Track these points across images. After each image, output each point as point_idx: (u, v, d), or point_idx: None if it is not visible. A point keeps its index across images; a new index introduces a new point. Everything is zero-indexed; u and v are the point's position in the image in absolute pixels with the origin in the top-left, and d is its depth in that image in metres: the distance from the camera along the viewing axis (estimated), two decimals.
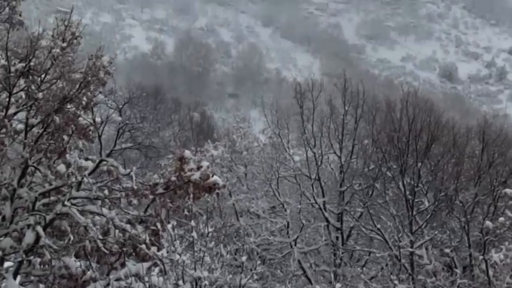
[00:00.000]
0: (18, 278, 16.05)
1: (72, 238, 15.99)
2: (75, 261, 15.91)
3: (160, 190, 16.61)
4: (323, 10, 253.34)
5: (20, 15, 16.61)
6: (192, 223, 14.17)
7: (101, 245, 15.73)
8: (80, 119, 16.64)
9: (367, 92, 36.97)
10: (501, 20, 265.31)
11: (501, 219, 27.01)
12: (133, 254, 16.17)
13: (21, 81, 16.03)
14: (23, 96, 16.10)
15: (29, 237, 15.74)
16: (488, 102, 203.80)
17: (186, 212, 16.31)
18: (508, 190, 27.01)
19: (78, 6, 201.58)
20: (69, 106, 16.32)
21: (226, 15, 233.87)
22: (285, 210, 34.16)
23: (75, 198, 16.39)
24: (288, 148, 35.90)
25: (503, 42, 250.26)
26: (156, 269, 14.30)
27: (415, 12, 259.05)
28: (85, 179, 16.30)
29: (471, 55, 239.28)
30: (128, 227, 16.25)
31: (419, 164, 32.79)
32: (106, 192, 16.49)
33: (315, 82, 36.72)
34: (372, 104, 36.99)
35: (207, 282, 13.88)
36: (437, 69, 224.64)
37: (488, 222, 28.02)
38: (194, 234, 14.06)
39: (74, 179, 16.27)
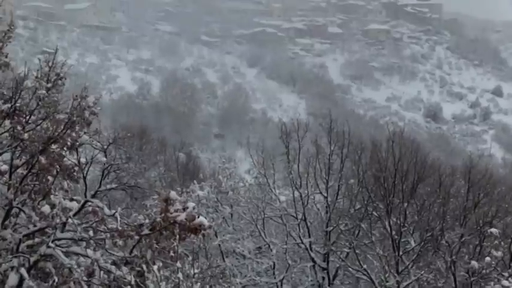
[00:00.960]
0: None
1: (56, 280, 15.81)
2: None
3: (145, 231, 16.48)
4: (308, 51, 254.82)
5: (6, 56, 16.57)
6: (178, 264, 14.05)
7: (85, 287, 15.56)
8: (65, 159, 16.55)
9: (352, 132, 37.10)
10: (484, 60, 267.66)
11: (487, 259, 26.98)
12: None
13: (7, 122, 15.98)
14: (8, 137, 16.03)
15: (12, 280, 15.56)
16: (473, 142, 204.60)
17: (171, 253, 16.18)
18: (493, 230, 27.03)
19: (64, 47, 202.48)
20: (54, 147, 16.24)
21: (211, 56, 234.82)
22: (271, 251, 34.04)
23: (59, 239, 16.24)
24: (274, 188, 35.87)
25: (487, 82, 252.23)
26: None
27: (399, 53, 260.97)
28: (70, 220, 16.17)
29: (455, 95, 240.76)
30: (113, 268, 16.09)
31: (406, 204, 32.82)
32: (91, 233, 16.35)
33: (300, 122, 36.80)
34: (358, 144, 37.09)
35: None
36: (422, 109, 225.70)
37: (474, 262, 27.98)
38: (180, 275, 13.94)
39: (58, 220, 16.14)
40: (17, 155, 16.21)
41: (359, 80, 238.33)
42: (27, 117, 16.05)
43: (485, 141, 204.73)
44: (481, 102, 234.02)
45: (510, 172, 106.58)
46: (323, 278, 34.43)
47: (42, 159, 16.09)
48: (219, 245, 33.77)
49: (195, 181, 37.69)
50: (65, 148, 16.41)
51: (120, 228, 16.36)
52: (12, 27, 16.22)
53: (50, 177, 16.54)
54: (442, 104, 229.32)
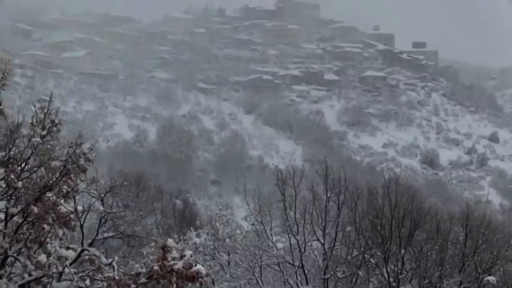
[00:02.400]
0: None
1: None
2: None
3: (142, 280, 16.35)
4: (304, 97, 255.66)
5: (0, 104, 16.58)
6: None
7: None
8: (61, 207, 16.47)
9: (349, 179, 37.07)
10: (480, 107, 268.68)
11: None
12: None
13: (1, 170, 15.93)
14: (3, 185, 15.97)
15: None
16: (470, 188, 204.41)
17: None
18: (490, 278, 26.85)
19: (61, 94, 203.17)
20: (49, 195, 16.18)
21: (208, 102, 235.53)
22: None
23: None
24: (271, 235, 35.73)
25: (483, 129, 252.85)
26: None
27: (396, 99, 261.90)
28: (66, 269, 16.04)
29: (452, 141, 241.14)
30: None
31: (403, 251, 32.66)
32: (88, 282, 16.22)
33: (296, 169, 36.81)
34: (354, 191, 37.03)
35: None
36: (419, 156, 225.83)
37: None
38: None
39: (54, 269, 16.01)
40: (12, 203, 16.14)
41: (355, 127, 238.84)
42: (22, 165, 16.01)
43: (483, 188, 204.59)
44: (477, 149, 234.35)
45: (508, 218, 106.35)
46: None
47: (38, 207, 16.02)
48: None
49: (192, 228, 37.57)
50: (60, 196, 16.35)
51: (117, 277, 16.23)
52: (6, 74, 16.24)
53: (45, 226, 16.44)
54: (439, 150, 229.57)
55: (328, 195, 35.70)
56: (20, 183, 15.89)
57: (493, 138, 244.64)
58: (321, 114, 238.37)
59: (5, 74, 16.65)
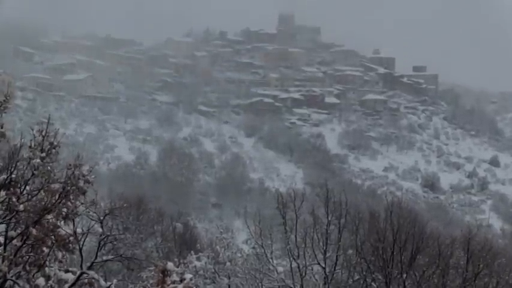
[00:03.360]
0: None
1: None
2: None
3: None
4: (305, 120, 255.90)
5: (2, 126, 16.54)
6: None
7: None
8: (60, 230, 16.39)
9: (350, 202, 36.95)
10: (481, 130, 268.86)
11: None
12: None
13: (2, 193, 15.86)
14: (3, 208, 15.90)
15: None
16: (471, 212, 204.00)
17: None
18: None
19: (62, 117, 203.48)
20: (49, 217, 16.10)
21: (209, 125, 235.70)
22: None
23: None
24: (272, 259, 35.57)
25: (484, 152, 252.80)
26: None
27: (397, 123, 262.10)
28: None
29: (453, 165, 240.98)
30: None
31: (405, 275, 32.48)
32: None
33: (297, 192, 36.69)
34: (355, 214, 36.91)
35: None
36: (420, 179, 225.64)
37: None
38: None
39: None
40: (12, 226, 16.05)
41: (356, 150, 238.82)
42: (22, 188, 15.94)
43: (484, 212, 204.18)
44: (478, 172, 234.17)
45: (510, 243, 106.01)
46: None
47: (37, 230, 15.93)
48: None
49: (192, 251, 37.43)
50: (60, 218, 16.27)
51: None
52: (8, 97, 16.23)
53: (45, 249, 16.34)
54: (440, 173, 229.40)
55: (329, 218, 35.58)
56: (21, 206, 15.82)
57: (494, 162, 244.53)
58: (321, 138, 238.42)
59: (7, 97, 16.64)
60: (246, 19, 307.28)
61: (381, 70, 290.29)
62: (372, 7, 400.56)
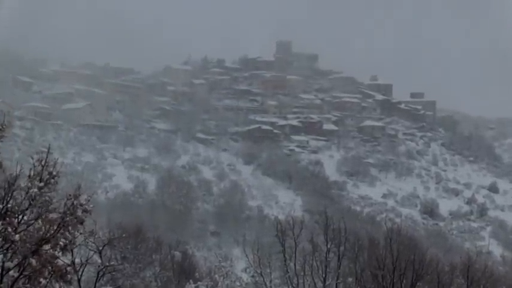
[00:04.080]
0: None
1: None
2: None
3: None
4: (304, 147, 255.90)
5: None
6: None
7: None
8: (58, 260, 16.25)
9: (349, 229, 36.84)
10: (479, 157, 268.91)
11: None
12: None
13: None
14: None
15: None
16: (471, 238, 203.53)
17: None
18: None
19: (60, 146, 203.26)
20: (46, 247, 15.98)
21: (207, 153, 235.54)
22: None
23: None
24: (271, 287, 35.36)
25: (483, 178, 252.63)
26: None
27: (395, 149, 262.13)
28: None
29: (451, 191, 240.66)
30: None
31: None
32: None
33: (296, 220, 36.57)
34: (355, 242, 36.77)
35: None
36: (419, 206, 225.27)
37: None
38: None
39: None
40: (9, 257, 15.92)
41: (355, 177, 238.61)
42: (19, 218, 15.84)
43: (483, 238, 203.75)
44: (477, 199, 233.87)
45: (510, 270, 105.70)
46: None
47: (34, 260, 15.80)
48: None
49: (191, 280, 37.25)
50: (58, 249, 16.14)
51: None
52: (5, 126, 16.17)
53: (42, 280, 16.20)
54: (439, 200, 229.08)
55: (329, 246, 35.46)
56: (17, 236, 15.70)
57: (493, 188, 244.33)
58: (320, 164, 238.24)
59: (3, 126, 16.58)
60: (243, 47, 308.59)
61: (379, 97, 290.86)
62: (369, 34, 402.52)
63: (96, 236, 17.82)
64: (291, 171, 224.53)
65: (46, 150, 16.87)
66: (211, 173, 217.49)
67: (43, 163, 16.26)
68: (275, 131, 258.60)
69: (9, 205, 15.76)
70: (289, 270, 35.34)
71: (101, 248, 17.82)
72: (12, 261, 16.05)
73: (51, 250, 16.13)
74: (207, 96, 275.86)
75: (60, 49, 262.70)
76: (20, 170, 15.90)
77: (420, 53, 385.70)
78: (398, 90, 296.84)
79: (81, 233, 16.70)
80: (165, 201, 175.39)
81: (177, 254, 68.52)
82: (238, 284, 36.78)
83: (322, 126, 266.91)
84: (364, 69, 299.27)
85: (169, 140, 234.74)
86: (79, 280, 16.74)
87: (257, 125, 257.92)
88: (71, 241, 16.50)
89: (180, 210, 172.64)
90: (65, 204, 16.31)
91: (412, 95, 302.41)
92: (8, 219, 15.77)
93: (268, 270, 35.68)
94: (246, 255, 37.26)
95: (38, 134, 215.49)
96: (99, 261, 17.72)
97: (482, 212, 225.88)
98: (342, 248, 35.89)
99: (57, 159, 16.61)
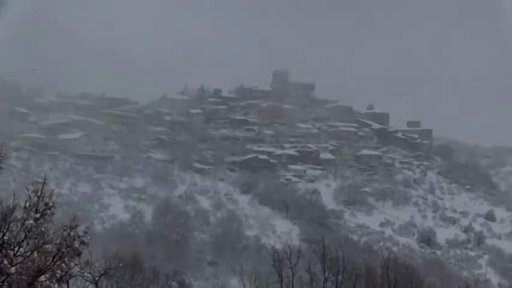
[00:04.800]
0: None
1: None
2: None
3: None
4: (301, 176, 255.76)
5: None
6: None
7: None
8: None
9: (346, 258, 36.78)
10: (476, 185, 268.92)
11: None
12: None
13: None
14: None
15: None
16: (468, 267, 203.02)
17: None
18: None
19: (56, 176, 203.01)
20: (42, 279, 15.92)
21: (204, 182, 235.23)
22: None
23: None
24: None
25: (479, 207, 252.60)
26: None
27: (392, 178, 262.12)
28: None
29: (449, 220, 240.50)
30: None
31: None
32: None
33: (293, 249, 36.48)
34: (353, 270, 36.70)
35: None
36: (416, 234, 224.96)
37: None
38: None
39: None
40: None
41: (352, 206, 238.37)
42: (15, 249, 15.79)
43: (481, 266, 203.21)
44: (474, 227, 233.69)
45: None
46: None
47: None
48: None
49: None
50: (54, 280, 16.08)
51: None
52: (2, 158, 16.17)
53: None
54: (436, 228, 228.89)
55: (326, 275, 35.37)
56: (13, 268, 15.63)
57: (490, 217, 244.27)
58: (317, 194, 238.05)
59: (1, 158, 16.60)
60: (240, 76, 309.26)
61: (375, 125, 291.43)
62: (364, 63, 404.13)
63: (92, 267, 17.73)
64: (288, 200, 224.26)
65: (42, 180, 16.85)
66: (208, 203, 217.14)
67: (39, 194, 16.23)
68: (272, 160, 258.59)
69: (5, 237, 15.72)
70: None
71: (97, 279, 17.73)
72: None
73: (47, 281, 16.06)
74: (204, 125, 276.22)
75: (56, 80, 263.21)
76: (16, 201, 15.86)
77: (416, 81, 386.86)
78: (395, 119, 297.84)
79: (76, 264, 16.61)
80: (162, 231, 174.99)
81: (174, 284, 68.35)
82: None
83: (319, 156, 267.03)
84: (360, 98, 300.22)
85: (166, 170, 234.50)
86: None
87: (254, 155, 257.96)
88: (67, 272, 16.42)
89: (177, 240, 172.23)
90: (62, 235, 16.25)
91: (409, 124, 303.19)
92: (4, 251, 15.72)
93: None
94: (244, 285, 37.16)
95: (34, 164, 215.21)
96: None
97: (480, 240, 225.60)
98: (339, 277, 35.79)
99: (53, 190, 16.59)
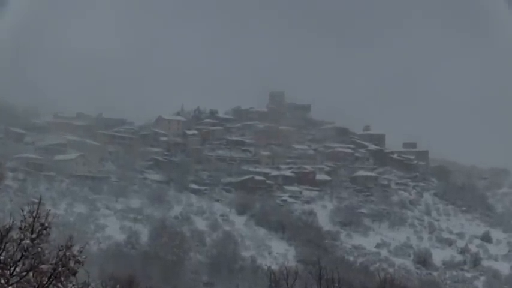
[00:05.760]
0: None
1: None
2: None
3: None
4: (297, 198, 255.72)
5: None
6: None
7: None
8: None
9: (343, 279, 36.79)
10: (472, 206, 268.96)
11: None
12: None
13: None
14: None
15: None
16: None
17: None
18: None
19: (52, 197, 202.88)
20: None
21: (200, 203, 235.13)
22: None
23: None
24: None
25: (476, 228, 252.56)
26: None
27: (388, 199, 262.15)
28: None
29: (445, 241, 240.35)
30: None
31: None
32: None
33: (289, 270, 36.51)
34: None
35: None
36: (412, 256, 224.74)
37: None
38: None
39: None
40: None
41: (348, 227, 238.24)
42: (12, 269, 15.82)
43: None
44: (470, 248, 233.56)
45: None
46: None
47: None
48: None
49: None
50: None
51: None
52: None
53: None
54: (432, 250, 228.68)
55: None
56: (10, 287, 15.67)
57: (486, 238, 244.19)
58: (313, 215, 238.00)
59: None
60: (236, 98, 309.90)
61: (372, 147, 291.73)
62: (361, 84, 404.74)
63: (89, 287, 17.76)
64: (284, 221, 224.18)
65: (38, 201, 16.91)
66: (204, 224, 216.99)
67: (34, 214, 16.29)
68: (268, 181, 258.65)
69: (1, 257, 15.76)
70: None
71: None
72: None
73: None
74: (200, 146, 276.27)
75: (52, 100, 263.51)
76: (13, 221, 15.93)
77: (412, 101, 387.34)
78: (391, 140, 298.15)
79: (73, 285, 16.65)
80: (158, 252, 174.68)
81: None
82: None
83: (315, 177, 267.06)
84: (356, 120, 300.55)
85: (162, 191, 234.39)
86: None
87: (250, 176, 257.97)
88: None
89: (173, 260, 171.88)
90: (57, 255, 16.30)
91: (405, 145, 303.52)
92: (0, 270, 15.76)
93: None
94: None
95: (30, 185, 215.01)
96: None
97: (476, 261, 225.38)
98: None
99: (49, 210, 16.65)
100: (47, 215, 16.44)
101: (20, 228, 16.13)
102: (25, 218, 16.15)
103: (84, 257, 16.60)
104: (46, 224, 16.43)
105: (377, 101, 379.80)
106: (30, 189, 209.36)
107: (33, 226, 16.18)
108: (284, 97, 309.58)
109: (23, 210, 16.06)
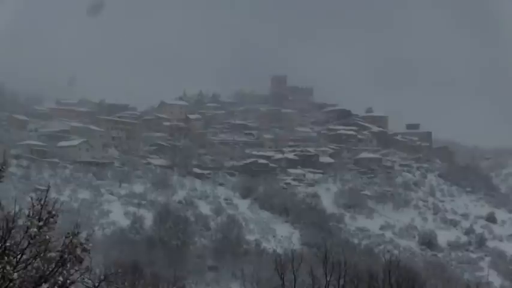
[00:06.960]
0: None
1: None
2: None
3: None
4: (300, 180, 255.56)
5: None
6: None
7: None
8: None
9: (348, 262, 36.70)
10: (476, 187, 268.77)
11: None
12: None
13: None
14: None
15: None
16: (470, 269, 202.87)
17: None
18: None
19: (56, 183, 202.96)
20: (44, 286, 15.91)
21: (204, 188, 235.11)
22: None
23: None
24: None
25: (480, 209, 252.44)
26: None
27: (392, 181, 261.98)
28: None
29: (449, 222, 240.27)
30: None
31: None
32: None
33: (294, 253, 36.46)
34: (354, 274, 36.65)
35: None
36: (417, 237, 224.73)
37: None
38: None
39: None
40: None
41: (352, 209, 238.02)
42: (19, 257, 15.78)
43: (482, 269, 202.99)
44: (475, 229, 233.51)
45: None
46: None
47: None
48: None
49: None
50: (55, 287, 16.06)
51: None
52: (4, 167, 16.19)
53: None
54: (437, 231, 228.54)
55: (328, 279, 35.31)
56: (15, 274, 15.62)
57: (491, 219, 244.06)
58: (317, 197, 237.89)
59: (3, 167, 16.62)
60: (238, 81, 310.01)
61: (375, 129, 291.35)
62: (363, 67, 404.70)
63: (92, 273, 17.70)
64: (288, 204, 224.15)
65: (42, 188, 16.87)
66: (208, 208, 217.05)
67: (42, 202, 16.24)
68: (271, 164, 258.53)
69: (7, 244, 15.72)
70: None
71: (97, 285, 17.70)
72: None
73: None
74: (203, 131, 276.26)
75: (55, 86, 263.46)
76: (18, 208, 15.88)
77: (415, 83, 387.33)
78: (394, 122, 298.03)
79: (77, 270, 16.60)
80: (162, 236, 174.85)
81: None
82: None
83: (318, 159, 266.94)
84: (359, 102, 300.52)
85: (166, 176, 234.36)
86: None
87: (253, 159, 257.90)
88: (67, 279, 16.40)
89: (178, 245, 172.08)
90: (64, 242, 16.25)
91: (408, 127, 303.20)
92: (6, 258, 15.71)
93: None
94: None
95: (34, 171, 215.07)
96: None
97: (481, 242, 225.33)
98: (341, 281, 35.71)
99: (56, 198, 16.59)
100: (55, 202, 16.38)
101: (28, 216, 16.08)
102: (33, 206, 16.10)
103: (90, 245, 16.56)
104: (53, 212, 16.37)
105: (379, 83, 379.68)
106: (34, 176, 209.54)
107: (40, 214, 16.13)
108: (286, 80, 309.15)
109: (31, 198, 16.00)
